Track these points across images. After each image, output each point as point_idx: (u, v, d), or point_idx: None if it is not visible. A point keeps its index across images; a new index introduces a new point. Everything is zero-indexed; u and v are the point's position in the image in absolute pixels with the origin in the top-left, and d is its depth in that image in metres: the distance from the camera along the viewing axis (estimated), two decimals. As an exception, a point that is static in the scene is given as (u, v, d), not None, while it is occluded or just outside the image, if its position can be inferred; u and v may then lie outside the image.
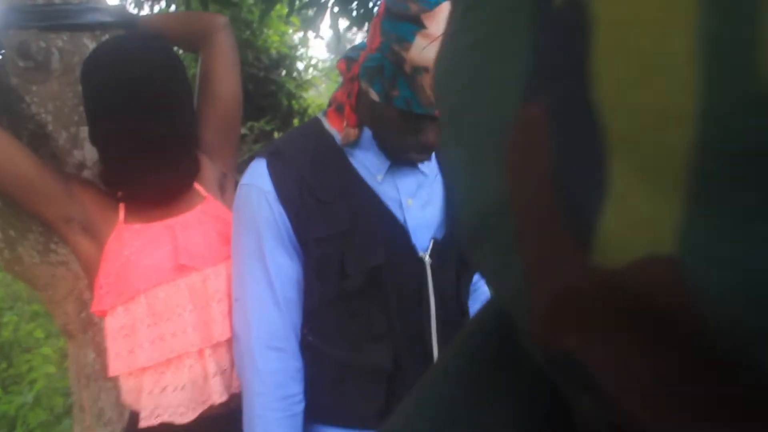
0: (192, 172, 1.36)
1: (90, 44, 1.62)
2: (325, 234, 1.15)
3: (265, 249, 1.17)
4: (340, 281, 1.16)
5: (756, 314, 0.12)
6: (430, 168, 1.26)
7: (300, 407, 1.21)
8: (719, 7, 0.11)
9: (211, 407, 1.30)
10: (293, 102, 6.72)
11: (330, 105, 1.24)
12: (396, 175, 1.21)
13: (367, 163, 1.19)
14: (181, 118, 1.29)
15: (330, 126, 1.22)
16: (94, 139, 1.29)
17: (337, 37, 3.77)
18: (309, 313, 1.22)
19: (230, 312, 1.30)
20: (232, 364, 1.31)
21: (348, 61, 1.20)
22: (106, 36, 1.60)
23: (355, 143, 1.19)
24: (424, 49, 0.99)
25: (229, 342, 1.30)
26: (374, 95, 1.09)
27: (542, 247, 0.17)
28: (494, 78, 0.18)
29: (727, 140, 0.12)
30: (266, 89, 6.04)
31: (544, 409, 0.26)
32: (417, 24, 0.99)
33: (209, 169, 1.43)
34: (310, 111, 6.69)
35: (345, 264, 1.15)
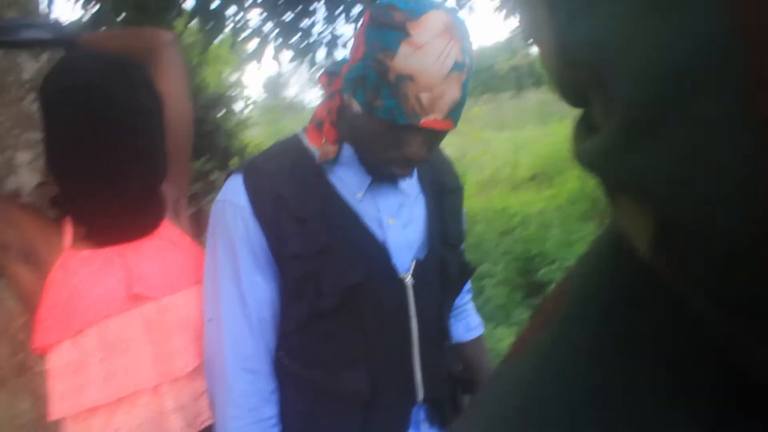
0: (160, 205, 1.27)
1: (27, 63, 1.51)
2: (302, 251, 1.11)
3: (240, 268, 1.13)
4: (316, 301, 1.12)
5: None
6: (412, 187, 1.24)
7: (275, 431, 1.16)
8: None
9: None
10: (231, 142, 6.65)
11: (311, 122, 1.21)
12: (377, 194, 1.18)
13: (347, 181, 1.16)
14: (152, 146, 1.19)
15: (309, 143, 1.19)
16: (53, 165, 1.17)
17: (281, 66, 3.74)
18: (285, 336, 1.18)
19: (194, 341, 1.19)
20: (195, 398, 1.20)
21: (330, 75, 1.18)
22: (45, 54, 1.50)
23: (334, 160, 1.15)
24: (409, 57, 0.96)
25: (191, 375, 1.20)
26: (357, 106, 1.05)
27: None
28: None
29: None
30: (203, 129, 5.97)
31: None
32: (402, 32, 0.97)
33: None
34: (248, 150, 6.62)
35: (322, 283, 1.11)
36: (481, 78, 25.27)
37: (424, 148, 1.06)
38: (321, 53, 3.93)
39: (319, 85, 1.21)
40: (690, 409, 0.24)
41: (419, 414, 1.24)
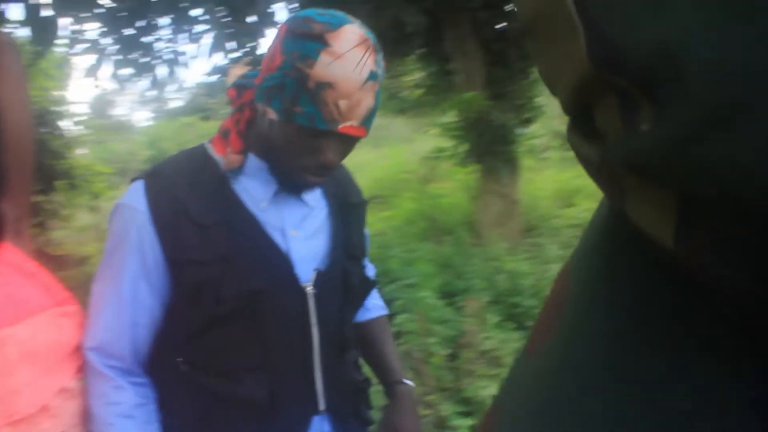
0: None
1: None
2: (201, 257, 1.10)
3: (125, 271, 1.12)
4: (214, 307, 1.12)
5: None
6: (316, 200, 1.26)
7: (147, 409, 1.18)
8: None
9: None
10: (57, 162, 6.22)
11: (217, 132, 1.22)
12: (281, 205, 1.20)
13: (252, 191, 1.18)
14: None
15: (215, 152, 1.19)
16: None
17: (121, 84, 3.54)
18: (182, 342, 1.16)
19: (43, 376, 1.08)
20: None
21: (239, 88, 1.20)
22: None
23: (239, 170, 1.17)
24: (329, 65, 1.01)
25: (36, 415, 1.08)
26: (273, 114, 1.07)
27: None
28: None
29: None
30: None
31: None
32: (321, 42, 1.01)
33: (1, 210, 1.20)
34: (78, 171, 6.25)
35: (221, 289, 1.11)
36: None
37: (339, 154, 1.10)
38: (161, 71, 3.78)
39: (227, 99, 1.22)
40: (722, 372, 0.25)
41: (322, 425, 1.25)
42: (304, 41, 1.02)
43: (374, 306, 1.54)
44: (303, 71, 1.01)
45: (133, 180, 1.17)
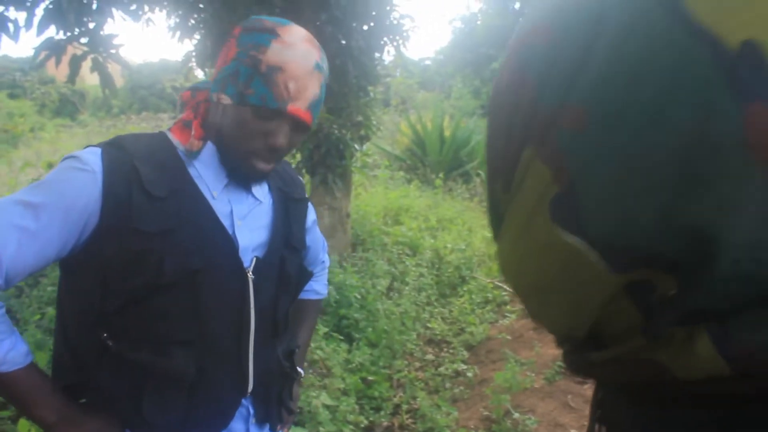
0: None
1: None
2: (148, 228, 1.12)
3: (47, 208, 1.08)
4: (154, 279, 1.13)
5: None
6: (262, 195, 1.33)
7: None
8: None
9: None
10: None
11: (175, 123, 1.27)
12: (231, 196, 1.27)
13: (206, 178, 1.24)
14: None
15: (174, 138, 1.24)
16: None
17: None
18: (111, 314, 1.15)
19: None
20: None
21: (193, 90, 1.29)
22: None
23: (196, 154, 1.23)
24: (280, 51, 1.14)
25: None
26: (227, 99, 1.17)
27: None
28: None
29: None
30: None
31: None
32: (273, 33, 1.16)
33: None
34: None
35: (164, 262, 1.13)
36: (140, 95, 24.41)
37: (287, 139, 1.19)
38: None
39: (180, 102, 1.30)
40: None
41: (249, 408, 1.32)
42: (257, 33, 1.16)
43: (310, 289, 1.64)
44: (256, 57, 1.14)
45: (87, 146, 1.17)
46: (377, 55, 6.58)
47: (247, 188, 1.30)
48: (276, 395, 1.39)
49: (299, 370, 1.52)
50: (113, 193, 1.11)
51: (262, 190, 1.34)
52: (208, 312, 1.20)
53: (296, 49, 1.15)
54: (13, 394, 1.13)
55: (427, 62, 32.62)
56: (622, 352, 0.37)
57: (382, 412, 3.41)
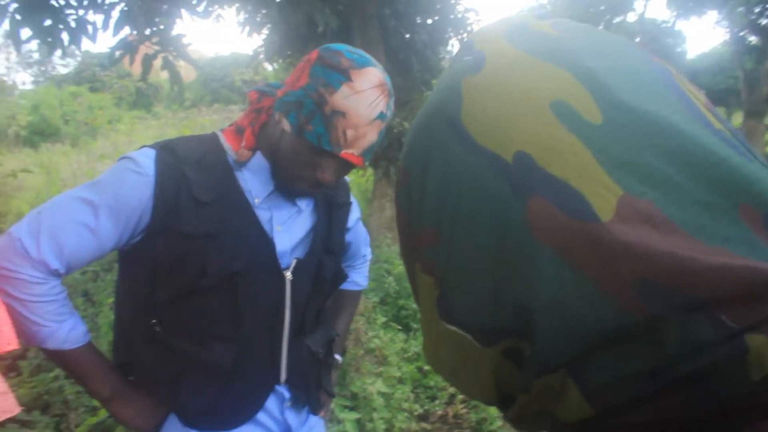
0: None
1: None
2: (193, 231, 1.20)
3: (102, 206, 1.18)
4: (196, 279, 1.21)
5: None
6: (307, 203, 1.39)
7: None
8: None
9: None
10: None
11: (230, 126, 1.33)
12: (273, 203, 1.33)
13: (251, 185, 1.29)
14: None
15: (226, 142, 1.30)
16: None
17: (18, 45, 3.34)
18: (159, 305, 1.26)
19: None
20: None
21: (260, 93, 1.33)
22: None
23: (245, 164, 1.29)
24: (347, 97, 1.15)
25: None
26: (287, 125, 1.21)
27: None
28: None
29: None
30: None
31: None
32: (346, 76, 1.16)
33: None
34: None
35: (206, 264, 1.21)
36: (212, 87, 24.99)
37: (335, 176, 1.24)
38: (64, 37, 3.62)
39: (248, 100, 1.34)
40: None
41: (283, 393, 1.40)
42: (331, 71, 1.17)
43: (350, 280, 1.71)
44: (324, 97, 1.16)
45: (145, 147, 1.25)
46: (441, 49, 6.61)
47: (291, 198, 1.35)
48: (314, 381, 1.47)
49: (337, 357, 1.61)
50: (163, 197, 1.19)
51: (306, 199, 1.39)
52: (246, 311, 1.28)
53: (363, 98, 1.16)
54: (73, 369, 1.27)
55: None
56: (522, 407, 0.44)
57: (437, 401, 3.47)
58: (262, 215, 1.30)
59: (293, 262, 1.34)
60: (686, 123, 0.39)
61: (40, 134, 14.35)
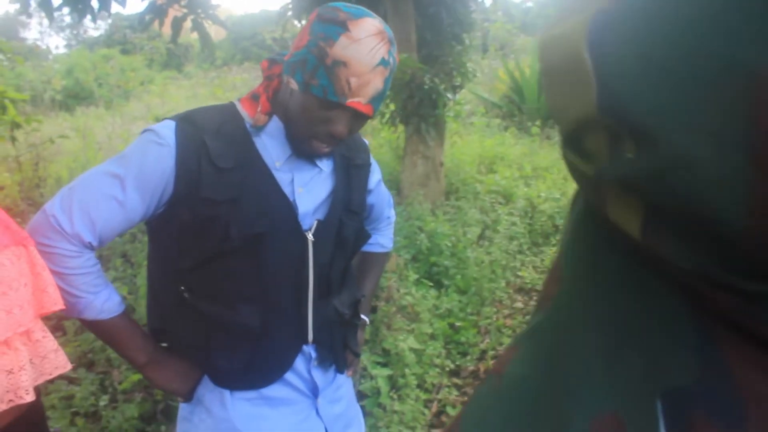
0: None
1: None
2: (216, 197, 1.25)
3: (129, 178, 1.23)
4: (221, 242, 1.26)
5: None
6: (327, 165, 1.43)
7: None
8: None
9: None
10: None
11: (246, 94, 1.37)
12: (293, 166, 1.36)
13: (270, 149, 1.34)
14: None
15: (242, 109, 1.34)
16: None
17: (50, 15, 3.39)
18: (186, 270, 1.31)
19: (6, 312, 1.11)
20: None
21: (271, 62, 1.37)
22: None
23: (262, 128, 1.34)
24: (346, 47, 1.19)
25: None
26: (294, 85, 1.25)
27: None
28: None
29: None
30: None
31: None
32: (343, 27, 1.20)
33: None
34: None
35: (230, 228, 1.26)
36: (242, 46, 24.95)
37: (347, 128, 1.26)
38: (94, 4, 3.65)
39: (261, 70, 1.38)
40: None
41: (310, 353, 1.45)
42: (329, 25, 1.21)
43: (375, 242, 1.75)
44: (324, 50, 1.20)
45: (165, 120, 1.30)
46: (471, 1, 6.50)
47: (311, 159, 1.39)
48: (340, 341, 1.51)
49: (363, 317, 1.66)
50: (185, 166, 1.24)
51: (327, 161, 1.43)
52: (271, 272, 1.33)
53: (363, 45, 1.19)
54: (110, 338, 1.34)
55: (529, 4, 31.64)
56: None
57: (468, 357, 3.52)
58: (284, 177, 1.34)
59: (314, 224, 1.38)
60: None
61: (74, 97, 14.55)
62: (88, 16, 3.60)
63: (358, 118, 1.28)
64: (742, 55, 0.27)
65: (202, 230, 1.27)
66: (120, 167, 1.25)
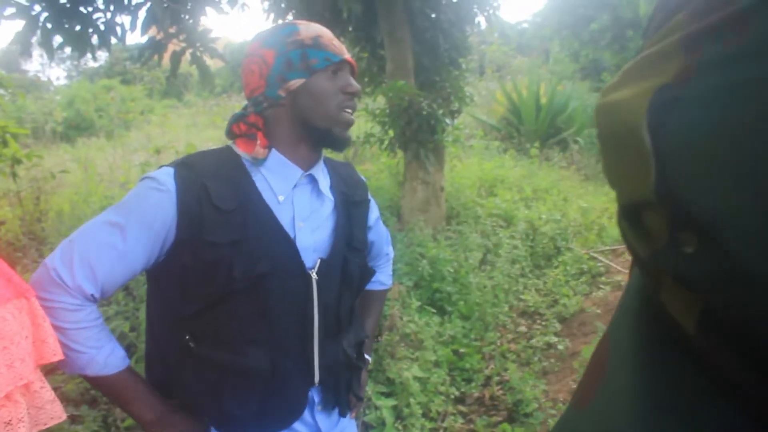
0: None
1: None
2: (219, 239, 1.24)
3: (130, 226, 1.23)
4: (225, 284, 1.25)
5: None
6: (325, 196, 1.43)
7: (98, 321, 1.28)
8: None
9: None
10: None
11: (239, 137, 1.37)
12: (295, 198, 1.37)
13: (272, 184, 1.34)
14: None
15: (239, 149, 1.35)
16: None
17: (50, 54, 3.43)
18: (191, 317, 1.29)
19: (7, 366, 1.11)
20: None
21: (237, 120, 1.36)
22: None
23: (262, 163, 1.34)
24: (307, 28, 1.33)
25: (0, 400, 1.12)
26: (296, 82, 1.31)
27: None
28: None
29: None
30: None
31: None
32: (291, 25, 1.34)
33: None
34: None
35: (233, 269, 1.24)
36: (240, 73, 25.12)
37: (355, 81, 1.34)
38: (94, 40, 3.69)
39: (237, 133, 1.37)
40: None
41: (314, 396, 1.43)
42: (279, 33, 1.33)
43: (376, 280, 1.74)
44: (297, 39, 1.31)
45: (163, 167, 1.30)
46: (467, 26, 6.55)
47: (314, 188, 1.40)
48: (345, 384, 1.48)
49: (367, 357, 1.64)
50: (187, 211, 1.23)
51: (324, 192, 1.43)
52: (276, 311, 1.31)
53: (315, 26, 1.35)
54: (115, 394, 1.31)
55: (525, 25, 31.86)
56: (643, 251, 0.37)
57: (473, 384, 3.51)
58: (284, 215, 1.34)
59: (318, 262, 1.37)
60: None
61: (75, 128, 14.62)
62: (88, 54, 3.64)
63: (354, 74, 1.39)
64: None
65: (206, 274, 1.26)
66: (120, 216, 1.25)
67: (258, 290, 1.29)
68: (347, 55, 1.35)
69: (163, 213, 1.23)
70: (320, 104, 1.32)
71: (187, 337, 1.31)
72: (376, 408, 2.90)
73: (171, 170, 1.28)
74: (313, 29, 1.33)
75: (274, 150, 1.35)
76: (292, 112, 1.34)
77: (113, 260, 1.23)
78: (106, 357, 1.26)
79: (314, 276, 1.35)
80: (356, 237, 1.48)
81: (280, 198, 1.33)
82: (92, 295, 1.23)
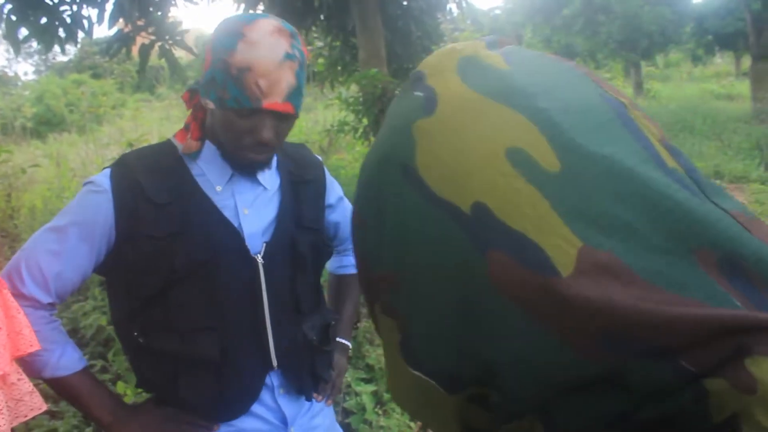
0: None
1: None
2: (156, 233, 1.25)
3: (72, 230, 1.25)
4: (167, 275, 1.26)
5: None
6: (272, 183, 1.41)
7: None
8: None
9: None
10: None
11: (182, 128, 1.36)
12: (235, 187, 1.36)
13: (209, 175, 1.34)
14: None
15: (176, 141, 1.34)
16: None
17: (16, 47, 3.37)
18: (139, 310, 1.30)
19: None
20: None
21: (192, 92, 1.36)
22: None
23: (197, 155, 1.33)
24: (245, 51, 1.18)
25: None
26: (211, 104, 1.25)
27: None
28: None
29: None
30: None
31: None
32: (238, 35, 1.20)
33: None
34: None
35: (174, 260, 1.26)
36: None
37: (272, 131, 1.24)
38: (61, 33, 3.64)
39: (184, 102, 1.37)
40: None
41: (275, 380, 1.41)
42: (225, 36, 1.21)
43: (350, 264, 1.72)
44: (226, 61, 1.20)
45: (104, 168, 1.32)
46: (439, 13, 6.57)
47: (253, 177, 1.37)
48: (308, 367, 1.46)
49: (344, 341, 1.64)
50: (123, 207, 1.26)
51: (269, 176, 1.40)
52: (223, 298, 1.31)
53: (261, 46, 1.19)
54: (71, 396, 1.32)
55: (497, 11, 31.88)
56: None
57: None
58: (226, 202, 1.33)
59: (263, 246, 1.36)
60: (641, 165, 0.39)
61: (46, 124, 14.44)
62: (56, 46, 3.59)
63: (282, 119, 1.26)
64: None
65: (148, 267, 1.28)
66: (61, 220, 1.28)
67: (202, 278, 1.29)
68: (268, 102, 1.20)
69: (102, 213, 1.26)
70: (225, 137, 1.29)
71: (136, 333, 1.32)
72: (356, 394, 2.92)
73: (107, 171, 1.31)
74: (250, 56, 1.18)
75: (208, 142, 1.34)
76: (211, 122, 1.32)
77: (60, 263, 1.25)
78: (57, 359, 1.27)
79: (260, 260, 1.35)
80: (306, 216, 1.45)
81: (218, 188, 1.33)
82: (49, 304, 1.26)
